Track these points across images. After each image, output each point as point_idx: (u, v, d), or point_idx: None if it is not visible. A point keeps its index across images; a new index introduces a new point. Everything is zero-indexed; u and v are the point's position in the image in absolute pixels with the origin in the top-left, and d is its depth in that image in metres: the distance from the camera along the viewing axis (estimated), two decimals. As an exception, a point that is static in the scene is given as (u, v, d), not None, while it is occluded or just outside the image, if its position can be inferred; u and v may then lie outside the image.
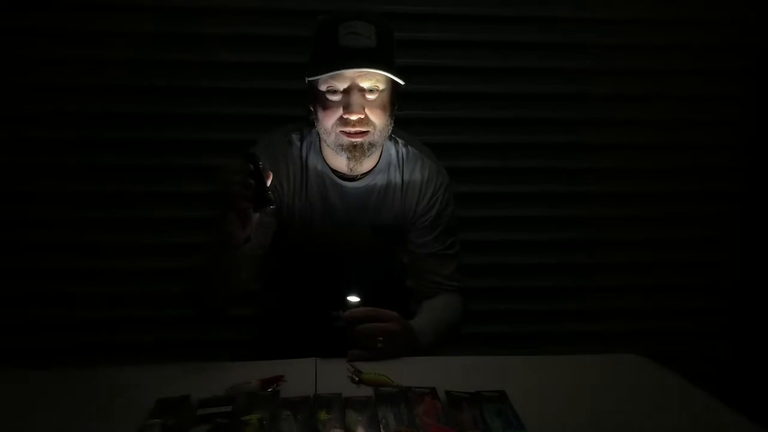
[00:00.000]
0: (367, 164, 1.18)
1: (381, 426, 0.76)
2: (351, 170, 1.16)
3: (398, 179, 1.24)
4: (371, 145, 1.11)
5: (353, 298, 1.05)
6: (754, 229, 2.13)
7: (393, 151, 1.25)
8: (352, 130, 1.09)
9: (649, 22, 2.01)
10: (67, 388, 0.91)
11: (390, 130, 1.16)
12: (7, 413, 0.83)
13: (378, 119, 1.10)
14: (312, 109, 1.15)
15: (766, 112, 2.07)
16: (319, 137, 1.18)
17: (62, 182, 1.89)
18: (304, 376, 0.94)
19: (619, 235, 2.11)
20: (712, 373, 1.91)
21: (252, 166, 0.98)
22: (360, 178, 1.20)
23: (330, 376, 0.95)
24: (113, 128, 1.89)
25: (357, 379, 0.93)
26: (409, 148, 1.26)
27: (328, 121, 1.10)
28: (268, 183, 0.99)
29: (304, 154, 1.21)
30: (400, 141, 1.26)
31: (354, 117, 1.08)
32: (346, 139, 1.10)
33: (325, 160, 1.20)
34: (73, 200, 1.90)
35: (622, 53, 2.02)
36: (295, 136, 1.23)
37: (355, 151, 1.10)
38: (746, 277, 2.15)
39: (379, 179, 1.22)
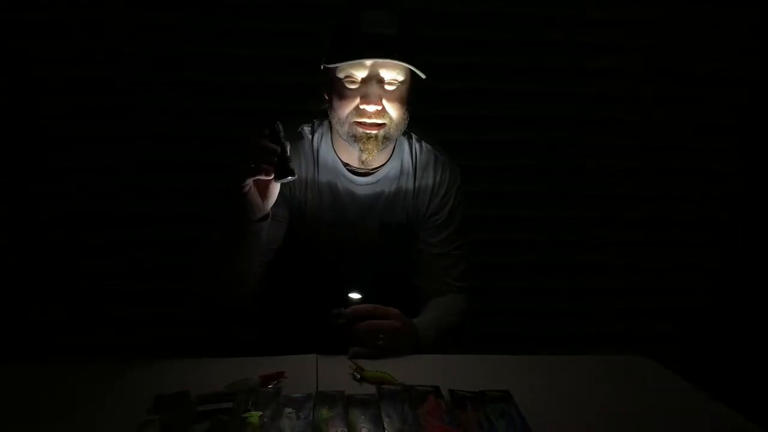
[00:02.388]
0: (380, 158, 1.15)
1: (384, 424, 0.75)
2: (363, 163, 1.13)
3: (411, 176, 1.21)
4: (386, 138, 1.08)
5: (354, 295, 1.03)
6: (753, 230, 2.13)
7: (406, 147, 1.23)
8: (368, 121, 1.05)
9: (650, 25, 1.99)
10: (65, 383, 0.89)
11: (405, 126, 1.12)
12: (6, 409, 0.82)
13: (395, 112, 1.07)
14: (327, 97, 1.11)
15: (764, 115, 2.06)
16: (331, 129, 1.16)
17: (62, 181, 1.87)
18: (305, 372, 0.93)
19: (622, 237, 2.10)
20: (711, 373, 1.91)
21: (274, 134, 0.97)
22: (372, 173, 1.18)
23: (331, 373, 0.94)
24: (114, 126, 1.86)
25: (359, 376, 0.92)
26: (423, 144, 1.24)
27: (344, 110, 1.07)
28: (288, 154, 0.97)
29: (315, 147, 1.19)
30: (413, 136, 1.24)
31: (371, 108, 1.04)
32: (360, 130, 1.06)
33: (336, 153, 1.18)
34: (73, 199, 1.88)
35: (621, 54, 2.00)
36: (306, 129, 1.21)
37: (368, 142, 1.07)
38: (746, 278, 2.15)
39: (390, 175, 1.20)
